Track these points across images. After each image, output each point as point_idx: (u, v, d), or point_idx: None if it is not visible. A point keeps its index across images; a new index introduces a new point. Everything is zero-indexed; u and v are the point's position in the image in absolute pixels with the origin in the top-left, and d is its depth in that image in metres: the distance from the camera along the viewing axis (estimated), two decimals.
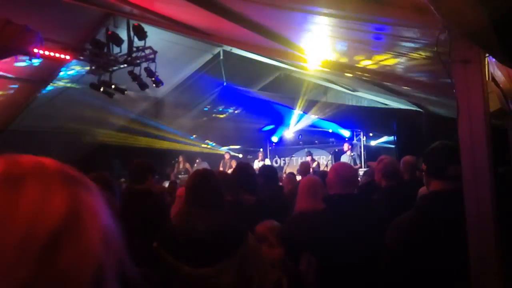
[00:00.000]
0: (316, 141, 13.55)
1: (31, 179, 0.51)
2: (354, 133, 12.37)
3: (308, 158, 10.88)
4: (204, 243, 1.99)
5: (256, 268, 2.08)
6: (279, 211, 2.91)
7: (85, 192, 0.54)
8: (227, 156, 11.79)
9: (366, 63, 3.84)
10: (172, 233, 2.08)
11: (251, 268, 2.06)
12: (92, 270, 0.49)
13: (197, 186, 2.16)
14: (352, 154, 10.62)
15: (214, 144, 13.29)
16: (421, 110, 8.15)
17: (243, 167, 3.36)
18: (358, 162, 10.53)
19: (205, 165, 10.95)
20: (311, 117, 11.56)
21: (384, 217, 1.95)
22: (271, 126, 13.40)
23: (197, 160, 11.60)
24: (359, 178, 5.19)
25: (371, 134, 11.76)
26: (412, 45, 2.34)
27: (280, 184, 4.47)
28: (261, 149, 13.12)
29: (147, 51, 7.02)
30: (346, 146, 10.86)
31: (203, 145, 12.83)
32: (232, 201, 2.67)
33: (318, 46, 3.84)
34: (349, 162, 9.64)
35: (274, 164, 13.19)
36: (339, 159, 10.45)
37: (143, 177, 2.88)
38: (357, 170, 7.38)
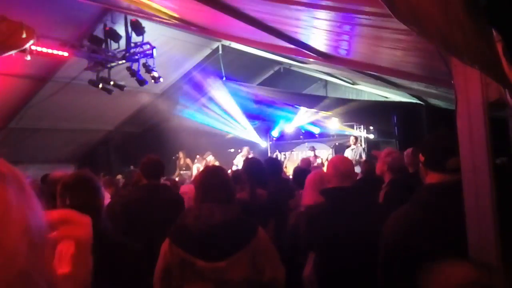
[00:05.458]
0: (317, 135, 13.51)
1: None
2: (355, 127, 12.25)
3: (311, 153, 10.58)
4: (217, 237, 2.02)
5: (268, 261, 2.09)
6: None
7: (14, 191, 0.48)
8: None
9: (365, 56, 3.82)
10: (184, 228, 2.09)
11: (264, 260, 2.08)
12: (13, 276, 0.45)
13: (208, 182, 2.19)
14: (353, 148, 10.16)
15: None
16: (421, 102, 8.14)
17: (254, 162, 3.57)
18: (364, 156, 9.74)
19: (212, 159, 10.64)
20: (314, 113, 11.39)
21: (383, 211, 1.94)
22: (255, 122, 12.45)
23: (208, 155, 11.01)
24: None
25: (371, 128, 11.68)
26: (409, 37, 2.32)
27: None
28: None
29: (145, 47, 7.00)
30: (352, 140, 10.49)
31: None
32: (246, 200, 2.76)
33: (316, 40, 3.82)
34: (353, 156, 9.50)
35: None
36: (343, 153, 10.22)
37: (157, 174, 2.96)
38: (353, 164, 7.07)
